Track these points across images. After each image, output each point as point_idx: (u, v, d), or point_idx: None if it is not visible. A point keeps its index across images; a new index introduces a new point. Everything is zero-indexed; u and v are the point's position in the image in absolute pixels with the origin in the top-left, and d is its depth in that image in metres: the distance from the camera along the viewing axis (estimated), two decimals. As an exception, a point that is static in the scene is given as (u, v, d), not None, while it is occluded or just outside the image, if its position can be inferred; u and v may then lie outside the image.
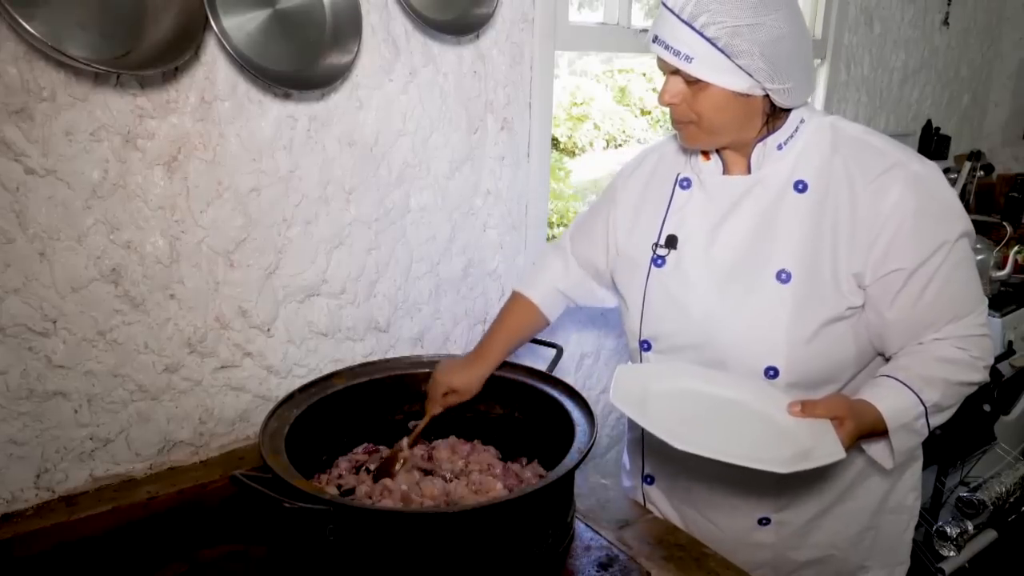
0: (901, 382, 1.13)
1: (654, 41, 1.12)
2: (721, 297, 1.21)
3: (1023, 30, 3.38)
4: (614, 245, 1.39)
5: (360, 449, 1.37)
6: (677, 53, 1.09)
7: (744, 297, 1.19)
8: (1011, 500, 2.55)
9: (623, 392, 1.13)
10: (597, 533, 1.24)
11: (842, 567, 1.34)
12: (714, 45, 1.07)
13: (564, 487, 1.16)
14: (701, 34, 1.07)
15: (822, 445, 1.04)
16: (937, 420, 1.16)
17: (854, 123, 1.24)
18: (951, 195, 1.17)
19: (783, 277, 1.16)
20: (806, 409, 1.10)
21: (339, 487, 1.26)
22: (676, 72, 1.13)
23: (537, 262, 1.55)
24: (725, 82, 1.10)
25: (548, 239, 1.87)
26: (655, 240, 1.29)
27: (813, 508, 1.28)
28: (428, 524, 1.03)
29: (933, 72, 3.04)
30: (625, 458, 1.57)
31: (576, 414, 1.25)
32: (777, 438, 1.08)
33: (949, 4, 2.95)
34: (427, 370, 1.43)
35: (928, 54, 2.96)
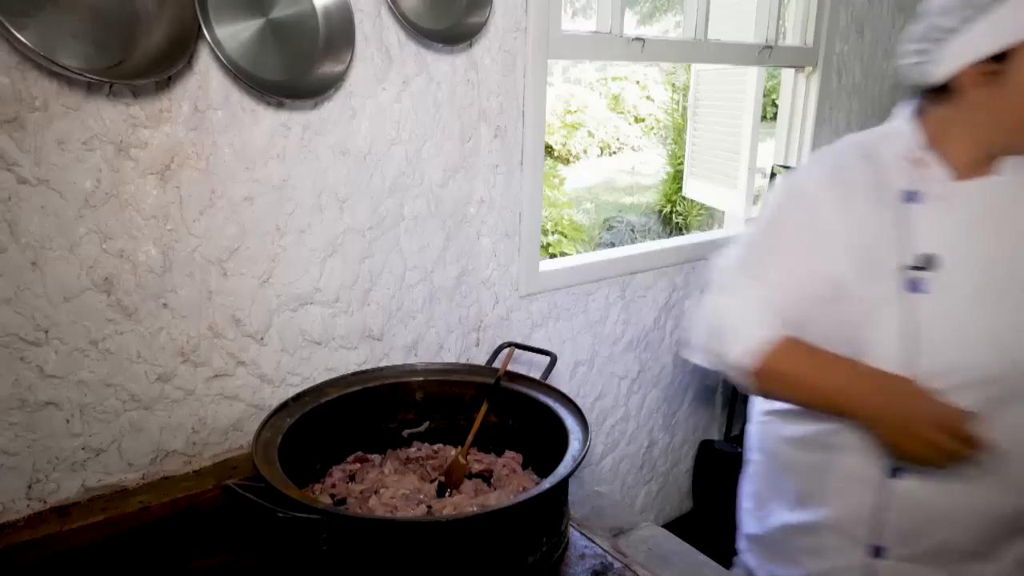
0: None
1: None
2: (1017, 315, 1.09)
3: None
4: (830, 276, 1.15)
5: (352, 458, 1.37)
6: None
7: None
8: None
9: None
10: (592, 541, 1.23)
11: None
12: None
13: (558, 495, 1.16)
14: None
15: None
16: None
17: None
18: None
19: None
20: None
21: (333, 496, 1.26)
22: None
23: (726, 324, 1.17)
24: None
25: (542, 247, 1.87)
26: (901, 263, 1.12)
27: None
28: (422, 533, 1.03)
29: (924, 80, 3.06)
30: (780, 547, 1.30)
31: (570, 422, 1.25)
32: None
33: (939, 12, 2.97)
34: (420, 378, 1.43)
35: (919, 62, 2.98)
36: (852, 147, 1.21)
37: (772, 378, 1.15)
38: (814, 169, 1.22)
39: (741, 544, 1.42)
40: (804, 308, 1.16)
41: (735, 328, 1.16)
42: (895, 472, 1.15)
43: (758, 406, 1.37)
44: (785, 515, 1.29)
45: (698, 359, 1.24)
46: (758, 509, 1.37)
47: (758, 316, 1.15)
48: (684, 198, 7.93)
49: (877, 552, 1.19)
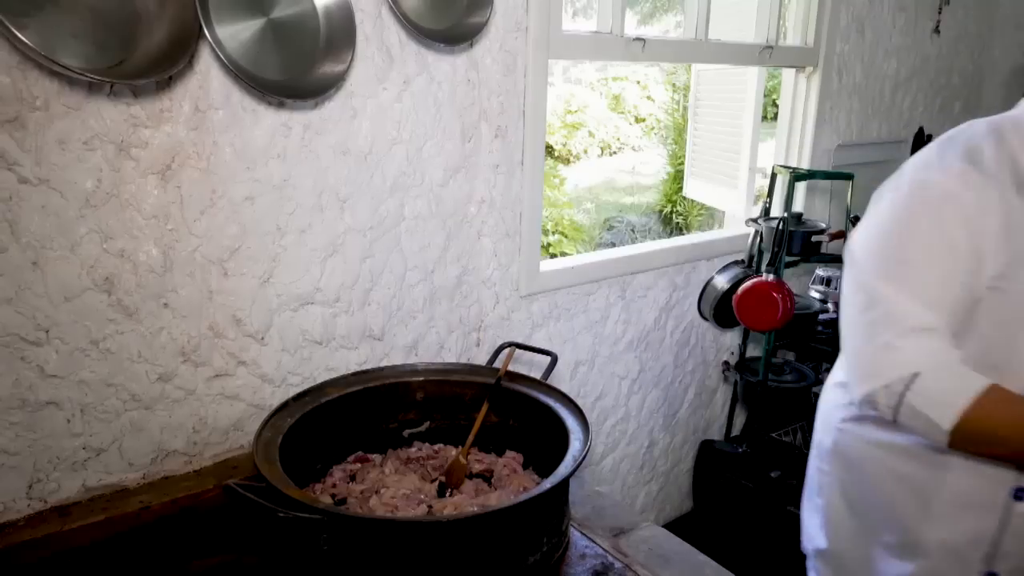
0: None
1: None
2: None
3: (1013, 38, 3.40)
4: (989, 279, 1.05)
5: (352, 458, 1.36)
6: None
7: None
8: None
9: None
10: (592, 541, 1.23)
11: None
12: None
13: (559, 495, 1.16)
14: None
15: None
16: None
17: None
18: None
19: None
20: None
21: (333, 496, 1.26)
22: None
23: (919, 373, 1.01)
24: None
25: (542, 247, 1.87)
26: None
27: None
28: (422, 533, 1.03)
29: (925, 79, 3.06)
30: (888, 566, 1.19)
31: (570, 422, 1.25)
32: None
33: (940, 12, 2.97)
34: (421, 378, 1.43)
35: (919, 62, 2.98)
36: (981, 136, 1.08)
37: (974, 437, 1.01)
38: (947, 165, 1.07)
39: (808, 563, 1.36)
40: (961, 320, 1.05)
41: (935, 382, 1.01)
42: (1018, 494, 1.07)
43: (836, 412, 1.27)
44: (871, 532, 1.20)
45: (874, 409, 1.07)
46: (831, 523, 1.29)
47: (955, 364, 1.02)
48: (684, 198, 7.93)
49: None
